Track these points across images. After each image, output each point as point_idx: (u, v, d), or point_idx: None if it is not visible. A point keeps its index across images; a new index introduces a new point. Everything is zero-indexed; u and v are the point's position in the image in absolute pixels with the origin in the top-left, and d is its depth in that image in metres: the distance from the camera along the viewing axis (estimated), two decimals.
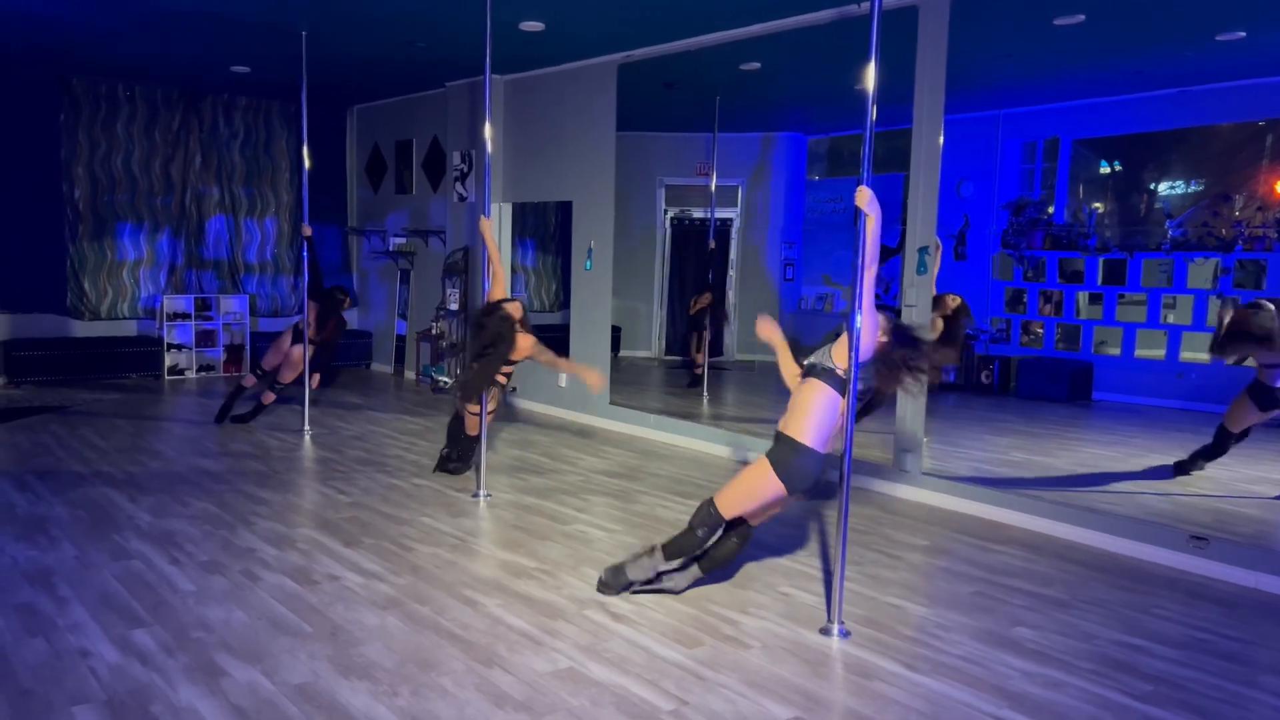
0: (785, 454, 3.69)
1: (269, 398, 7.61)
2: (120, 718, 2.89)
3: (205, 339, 10.38)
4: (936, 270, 5.71)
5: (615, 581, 4.00)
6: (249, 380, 7.66)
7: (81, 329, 9.83)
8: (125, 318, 10.12)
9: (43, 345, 9.37)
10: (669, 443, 7.38)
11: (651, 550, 3.92)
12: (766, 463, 3.72)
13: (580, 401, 8.30)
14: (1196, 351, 8.46)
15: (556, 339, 7.94)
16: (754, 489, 3.76)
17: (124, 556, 4.39)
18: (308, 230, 7.17)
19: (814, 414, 3.69)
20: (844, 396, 3.65)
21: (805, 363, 3.83)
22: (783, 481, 3.69)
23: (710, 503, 3.84)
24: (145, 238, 10.18)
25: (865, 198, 3.51)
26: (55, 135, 9.51)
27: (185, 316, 10.21)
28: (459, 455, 6.06)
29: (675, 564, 3.97)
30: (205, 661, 3.29)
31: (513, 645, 3.50)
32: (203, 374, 10.32)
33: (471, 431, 5.85)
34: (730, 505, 3.81)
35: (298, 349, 7.28)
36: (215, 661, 3.29)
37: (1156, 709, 3.14)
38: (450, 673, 3.27)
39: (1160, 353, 8.66)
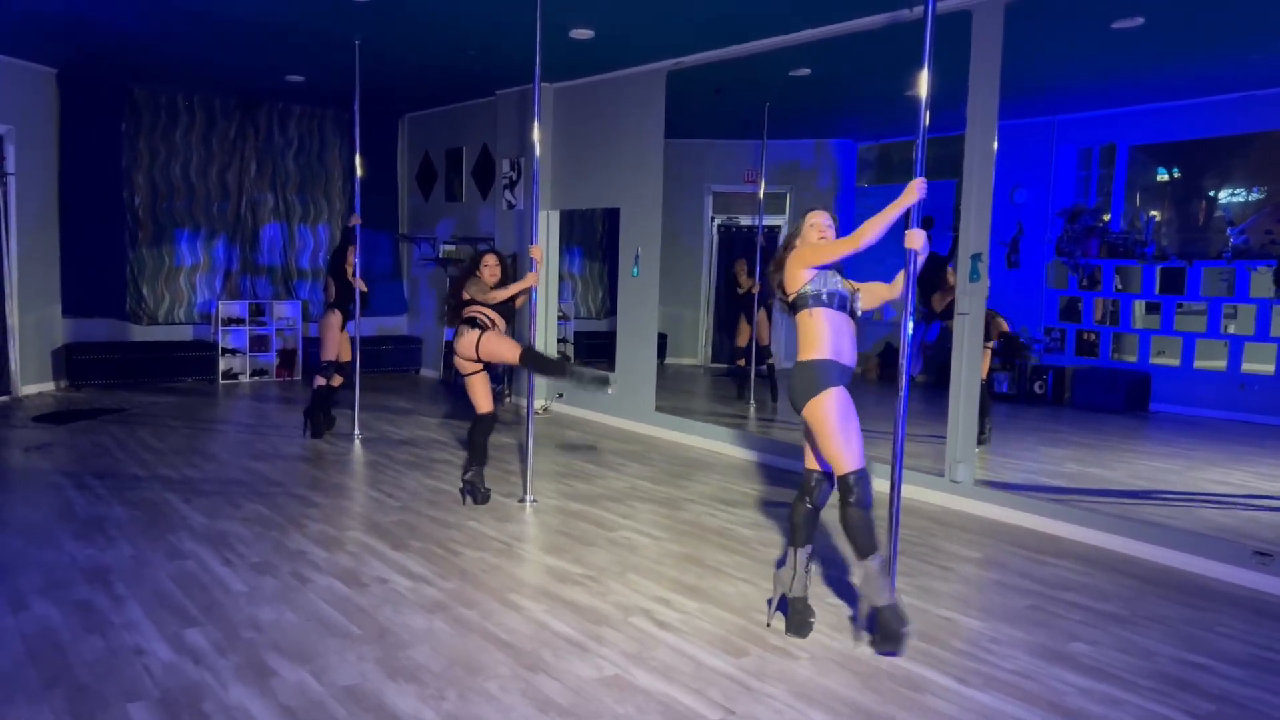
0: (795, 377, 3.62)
1: (337, 380, 7.39)
2: (173, 715, 2.93)
3: (259, 344, 10.57)
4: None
5: (901, 620, 3.51)
6: (336, 380, 7.39)
7: (139, 333, 10.04)
8: (182, 323, 10.32)
9: (102, 349, 9.59)
10: (715, 450, 7.34)
11: (864, 563, 3.52)
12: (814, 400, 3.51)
13: (626, 409, 8.29)
14: (1259, 363, 8.25)
15: (603, 345, 7.91)
16: (827, 427, 3.50)
17: (178, 556, 4.46)
18: (356, 219, 7.20)
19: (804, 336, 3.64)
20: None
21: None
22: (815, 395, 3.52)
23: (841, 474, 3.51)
24: (202, 244, 10.39)
25: (919, 241, 3.50)
26: (117, 144, 9.74)
27: (240, 322, 10.40)
28: (473, 461, 5.55)
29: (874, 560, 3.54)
30: (256, 661, 3.33)
31: (558, 651, 3.50)
32: (256, 378, 10.50)
33: (479, 407, 5.48)
34: (839, 459, 3.51)
35: (345, 335, 7.23)
36: (265, 661, 3.33)
37: None
38: (496, 677, 3.27)
39: (1221, 363, 8.44)
